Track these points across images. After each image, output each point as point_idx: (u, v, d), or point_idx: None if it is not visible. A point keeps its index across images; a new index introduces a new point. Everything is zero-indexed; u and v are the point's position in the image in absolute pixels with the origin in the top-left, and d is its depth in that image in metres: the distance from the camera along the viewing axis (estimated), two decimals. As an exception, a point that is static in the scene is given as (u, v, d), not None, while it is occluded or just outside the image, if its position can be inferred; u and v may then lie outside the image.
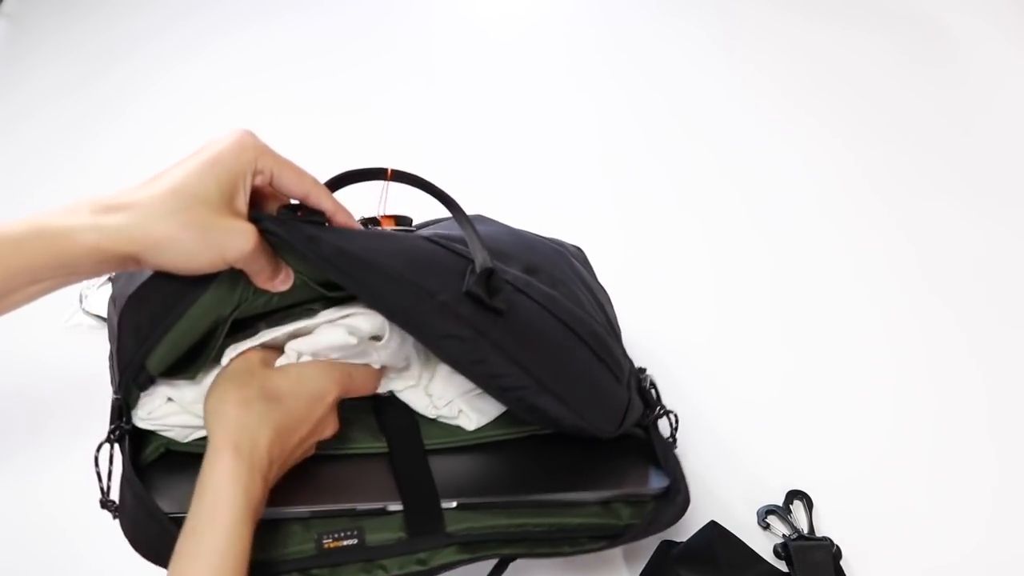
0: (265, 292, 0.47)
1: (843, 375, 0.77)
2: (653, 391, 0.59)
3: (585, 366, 0.52)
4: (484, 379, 0.48)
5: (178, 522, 0.44)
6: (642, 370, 0.61)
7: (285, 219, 0.45)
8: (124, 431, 0.48)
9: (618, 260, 0.88)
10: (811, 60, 1.14)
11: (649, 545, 0.64)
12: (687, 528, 0.63)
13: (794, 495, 0.67)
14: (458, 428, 0.56)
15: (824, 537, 0.64)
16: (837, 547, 0.63)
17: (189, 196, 0.40)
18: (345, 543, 0.49)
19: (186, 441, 0.50)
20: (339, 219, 0.47)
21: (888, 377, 0.77)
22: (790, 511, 0.67)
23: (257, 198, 0.46)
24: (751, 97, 1.10)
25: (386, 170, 0.50)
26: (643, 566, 0.63)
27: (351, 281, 0.44)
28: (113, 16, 1.28)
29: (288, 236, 0.43)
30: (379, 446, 0.54)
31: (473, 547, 0.50)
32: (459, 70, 1.15)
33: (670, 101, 1.09)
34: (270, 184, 0.45)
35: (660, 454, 0.56)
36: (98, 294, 0.81)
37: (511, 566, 0.55)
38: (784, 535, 0.65)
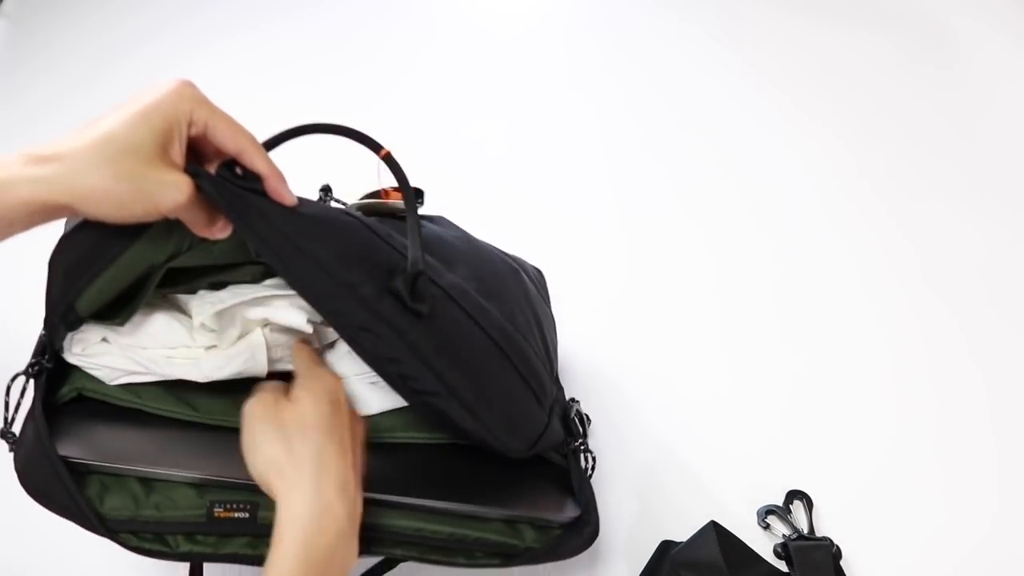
0: (204, 241, 0.47)
1: (844, 375, 0.77)
2: (578, 423, 0.59)
3: (504, 383, 0.51)
4: (395, 378, 0.48)
5: (70, 466, 0.46)
6: (573, 400, 0.61)
7: (222, 178, 0.44)
8: (43, 368, 0.48)
9: (619, 259, 0.89)
10: (812, 61, 1.14)
11: (649, 545, 0.64)
12: (687, 528, 0.63)
13: (794, 495, 0.67)
14: (375, 424, 0.54)
15: (824, 537, 0.64)
16: (837, 547, 0.63)
17: (121, 146, 0.40)
18: (236, 515, 0.49)
19: (111, 384, 0.51)
20: (271, 183, 0.46)
21: (889, 377, 0.77)
22: (790, 511, 0.67)
23: (200, 148, 0.45)
24: (751, 97, 1.09)
25: (382, 148, 0.50)
26: (643, 566, 0.63)
27: (274, 259, 0.45)
28: (113, 17, 1.28)
29: (219, 198, 0.43)
30: None
31: (364, 543, 0.48)
32: (458, 70, 1.15)
33: (670, 101, 1.09)
34: (204, 137, 0.44)
35: (575, 483, 0.55)
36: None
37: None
38: (784, 535, 0.65)
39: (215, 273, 0.51)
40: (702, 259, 0.89)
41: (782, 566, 0.63)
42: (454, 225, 0.62)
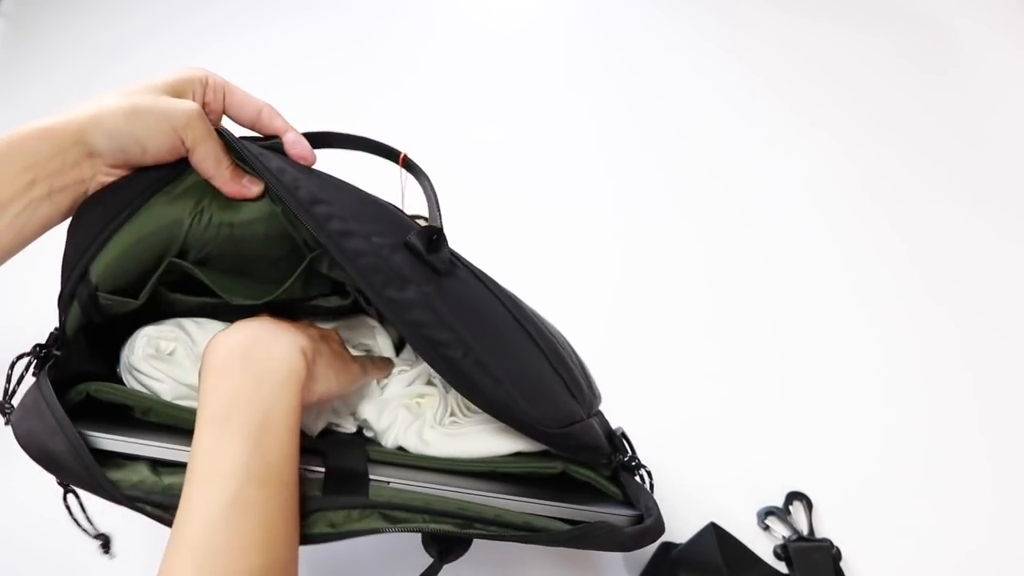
0: (225, 219, 0.46)
1: (843, 377, 0.77)
2: (625, 443, 0.56)
3: (528, 358, 0.49)
4: (409, 324, 0.44)
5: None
6: (620, 429, 0.58)
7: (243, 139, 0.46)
8: (51, 354, 0.46)
9: (613, 261, 0.89)
10: (810, 62, 1.14)
11: (649, 547, 0.64)
12: (687, 530, 0.63)
13: (794, 496, 0.67)
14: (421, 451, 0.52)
15: (824, 538, 0.64)
16: (837, 548, 0.63)
17: (134, 87, 0.43)
18: None
19: (165, 399, 0.48)
20: (290, 138, 0.47)
21: (887, 379, 0.77)
22: (790, 512, 0.67)
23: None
24: (748, 99, 1.09)
25: (399, 153, 0.49)
26: (643, 568, 0.63)
27: (293, 202, 0.44)
28: (112, 15, 1.27)
29: (237, 146, 0.44)
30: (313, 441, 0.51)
31: (393, 516, 0.45)
32: (457, 70, 1.15)
33: (666, 103, 1.09)
34: (223, 105, 0.46)
35: (631, 494, 0.52)
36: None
37: (508, 563, 0.55)
38: (784, 536, 0.65)
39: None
40: (698, 260, 0.89)
41: (782, 567, 0.63)
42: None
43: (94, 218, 0.44)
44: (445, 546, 0.48)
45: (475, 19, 1.24)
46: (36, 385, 0.44)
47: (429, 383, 0.56)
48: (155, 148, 0.43)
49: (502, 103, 1.10)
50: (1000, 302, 0.84)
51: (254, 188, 0.46)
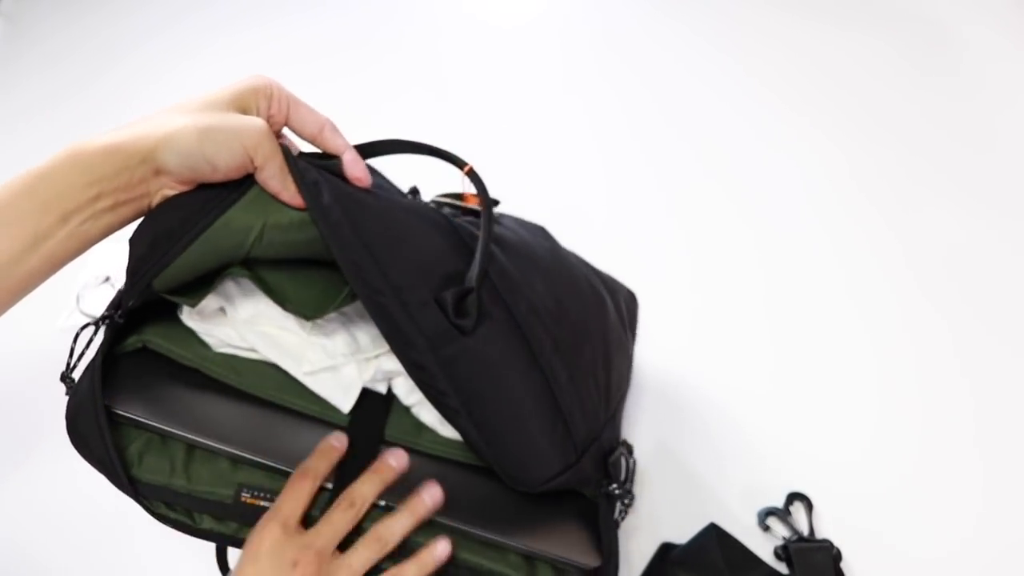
0: (280, 235, 0.46)
1: (843, 377, 0.77)
2: (621, 468, 0.56)
3: (534, 420, 0.49)
4: (420, 382, 0.46)
5: (117, 418, 0.46)
6: (626, 443, 0.58)
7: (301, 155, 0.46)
8: (115, 322, 0.48)
9: (610, 259, 0.89)
10: (808, 63, 1.14)
11: (648, 548, 0.64)
12: (687, 530, 0.63)
13: (794, 497, 0.67)
14: (424, 431, 0.53)
15: (824, 539, 0.64)
16: (837, 549, 0.63)
17: (200, 101, 0.43)
18: (262, 503, 0.48)
19: (216, 351, 0.51)
20: (348, 158, 0.48)
21: (888, 380, 0.77)
22: (790, 513, 0.67)
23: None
24: (746, 100, 1.09)
25: (465, 164, 0.51)
26: (643, 568, 0.63)
27: (327, 232, 0.44)
28: (113, 14, 1.27)
29: (291, 162, 0.44)
30: (340, 418, 0.52)
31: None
32: (455, 70, 1.15)
33: (663, 101, 1.09)
34: (286, 117, 0.47)
35: (603, 531, 0.53)
36: (95, 294, 0.80)
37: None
38: (784, 537, 0.65)
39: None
40: (695, 260, 0.89)
41: (782, 568, 0.63)
42: (549, 237, 0.61)
43: (168, 230, 0.45)
44: None
45: (477, 17, 1.24)
46: (90, 370, 0.47)
47: None
48: (225, 166, 0.43)
49: (502, 102, 1.10)
50: (1001, 306, 0.84)
51: (298, 199, 0.47)
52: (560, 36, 1.21)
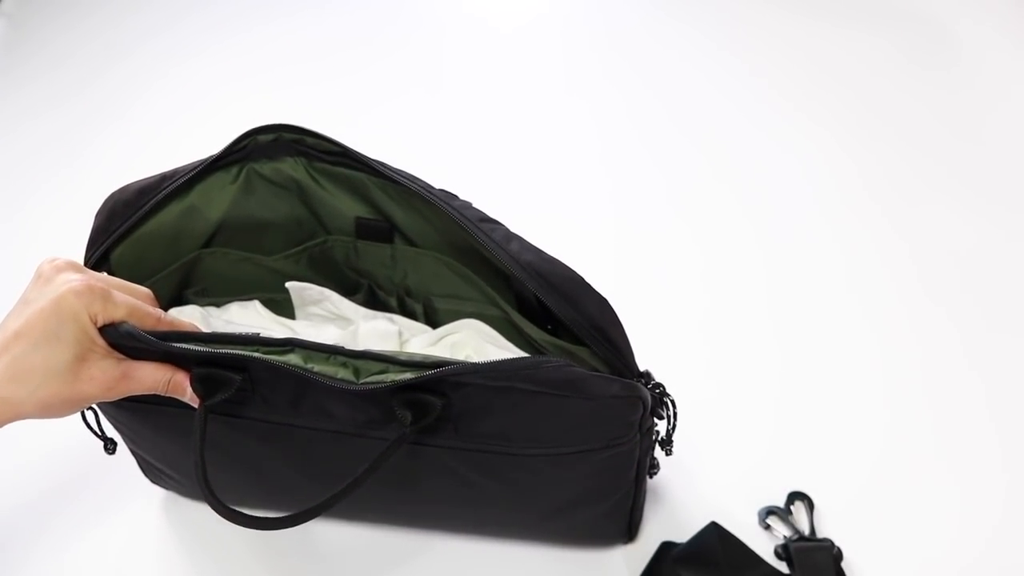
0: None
1: (844, 377, 0.77)
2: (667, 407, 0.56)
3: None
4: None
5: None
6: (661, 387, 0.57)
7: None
8: None
9: (612, 259, 0.89)
10: (811, 62, 1.14)
11: (649, 546, 0.64)
12: (688, 529, 0.63)
13: (795, 496, 0.67)
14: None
15: (825, 538, 0.64)
16: (838, 548, 0.63)
17: (41, 377, 0.41)
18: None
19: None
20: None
21: (889, 378, 0.77)
22: (791, 512, 0.67)
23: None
24: (748, 97, 1.09)
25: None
26: (643, 567, 0.63)
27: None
28: (114, 14, 1.28)
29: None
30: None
31: (357, 366, 0.45)
32: (453, 70, 1.15)
33: (665, 100, 1.09)
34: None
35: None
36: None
37: (507, 563, 0.54)
38: (785, 536, 0.65)
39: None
40: (698, 260, 0.89)
41: (783, 567, 0.63)
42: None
43: (126, 201, 0.52)
44: (418, 409, 0.45)
45: (476, 16, 1.24)
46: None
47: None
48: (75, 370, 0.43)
49: (502, 102, 1.10)
50: (1003, 301, 0.84)
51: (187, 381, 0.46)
52: (561, 36, 1.21)
